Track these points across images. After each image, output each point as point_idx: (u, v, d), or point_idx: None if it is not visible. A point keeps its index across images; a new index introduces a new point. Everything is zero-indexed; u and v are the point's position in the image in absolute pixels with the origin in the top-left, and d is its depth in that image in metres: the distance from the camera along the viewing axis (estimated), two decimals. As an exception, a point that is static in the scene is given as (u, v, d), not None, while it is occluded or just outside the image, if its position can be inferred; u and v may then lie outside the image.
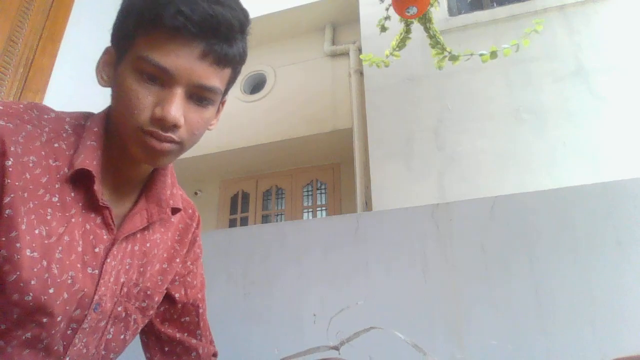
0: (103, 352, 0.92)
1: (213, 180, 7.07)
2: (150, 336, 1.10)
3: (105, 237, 0.89)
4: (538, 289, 2.65)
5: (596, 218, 2.68)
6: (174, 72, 0.82)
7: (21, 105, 0.85)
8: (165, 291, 1.04)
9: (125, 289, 0.92)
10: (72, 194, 0.85)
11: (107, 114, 0.95)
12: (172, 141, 0.85)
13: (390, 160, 3.89)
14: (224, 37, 0.84)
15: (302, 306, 3.12)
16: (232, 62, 0.88)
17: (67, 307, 0.82)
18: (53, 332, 0.81)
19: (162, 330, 1.09)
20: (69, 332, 0.84)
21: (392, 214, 3.15)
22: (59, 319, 0.81)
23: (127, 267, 0.93)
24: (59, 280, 0.79)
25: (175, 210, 1.02)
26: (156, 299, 1.00)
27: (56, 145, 0.86)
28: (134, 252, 0.95)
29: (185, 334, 1.11)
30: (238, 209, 6.79)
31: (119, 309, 0.92)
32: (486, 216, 2.86)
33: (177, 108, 0.83)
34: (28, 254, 0.76)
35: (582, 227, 2.68)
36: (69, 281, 0.81)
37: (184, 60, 0.82)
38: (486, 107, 3.43)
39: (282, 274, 3.23)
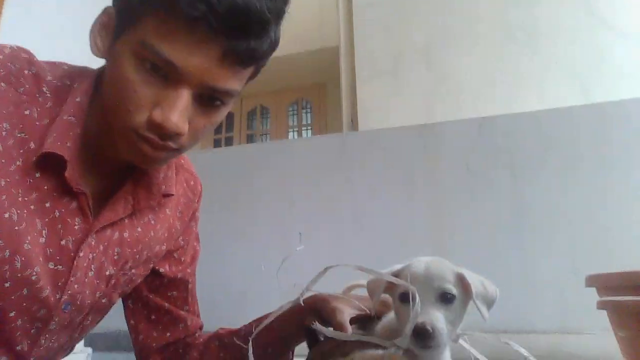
0: (77, 335, 0.85)
1: (196, 99, 6.87)
2: (136, 302, 0.99)
3: (76, 227, 0.74)
4: (519, 207, 2.71)
5: (583, 139, 2.68)
6: (184, 72, 0.66)
7: (1, 56, 0.70)
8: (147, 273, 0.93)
9: (113, 281, 0.82)
10: (38, 174, 0.70)
11: (99, 78, 0.77)
12: (169, 149, 0.72)
13: (378, 79, 3.78)
14: (253, 34, 0.66)
15: (288, 225, 3.16)
16: (259, 59, 0.72)
17: (25, 304, 0.70)
18: (9, 328, 0.70)
19: (150, 297, 0.98)
20: (32, 331, 0.73)
21: (379, 134, 3.12)
22: (11, 314, 0.69)
23: (115, 257, 0.80)
24: (19, 275, 0.67)
25: (167, 196, 0.88)
26: (138, 281, 0.92)
27: (27, 112, 0.70)
28: (123, 239, 0.81)
29: (173, 306, 1.00)
30: (222, 129, 6.68)
31: (103, 300, 0.82)
32: (473, 136, 2.85)
33: (181, 114, 0.68)
34: None
35: (568, 149, 2.69)
36: (33, 277, 0.69)
37: (199, 60, 0.65)
38: (478, 26, 3.30)
39: (268, 194, 3.24)
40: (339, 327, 0.81)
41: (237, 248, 3.13)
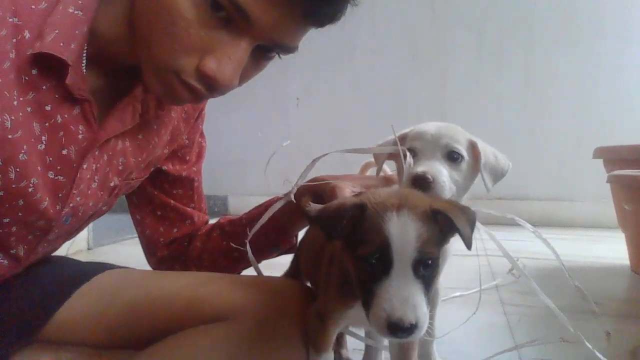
0: (74, 236, 0.81)
1: None
2: (140, 197, 0.93)
3: (80, 135, 0.64)
4: (528, 77, 2.58)
5: (602, 7, 2.47)
6: (257, 23, 0.56)
7: None
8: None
9: (116, 190, 0.75)
10: (35, 71, 0.58)
11: None
12: (208, 97, 0.63)
13: None
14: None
15: (285, 91, 3.04)
16: (335, 21, 0.62)
17: (22, 214, 0.63)
18: (3, 233, 0.64)
19: (155, 193, 0.92)
20: (30, 237, 0.67)
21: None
22: (5, 220, 0.62)
23: (120, 167, 0.73)
24: (14, 187, 0.59)
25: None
26: (137, 185, 0.85)
27: None
28: (126, 148, 0.73)
29: (179, 203, 0.95)
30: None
31: (104, 208, 0.76)
32: (487, 2, 2.62)
33: (237, 68, 0.58)
34: None
35: (586, 17, 2.48)
36: (30, 189, 0.61)
37: (278, 16, 0.56)
38: None
39: (264, 57, 3.06)
40: None
41: (234, 116, 3.05)
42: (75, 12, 0.59)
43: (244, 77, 0.64)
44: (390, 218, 0.53)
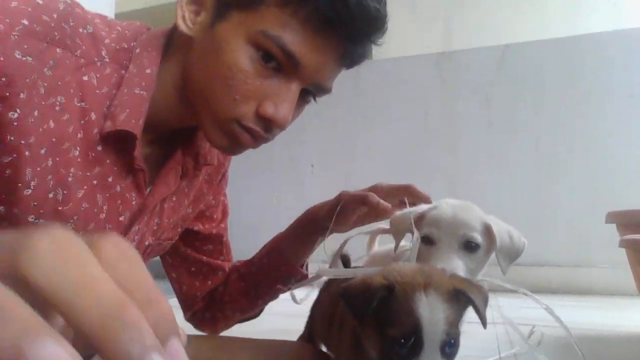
0: None
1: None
2: (174, 257, 0.99)
3: (133, 202, 0.71)
4: (539, 141, 2.63)
5: (610, 68, 2.54)
6: (305, 68, 0.64)
7: (54, 14, 0.59)
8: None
9: (149, 250, 0.81)
10: (100, 148, 0.65)
11: (169, 44, 0.71)
12: (264, 141, 0.71)
13: (393, 3, 3.58)
14: (373, 41, 0.68)
15: (300, 157, 3.13)
16: (359, 63, 0.72)
17: None
18: None
19: (188, 252, 0.99)
20: None
21: (394, 63, 2.99)
22: None
23: (154, 227, 0.78)
24: None
25: (207, 165, 0.85)
26: (171, 242, 0.90)
27: (85, 78, 0.62)
28: (163, 210, 0.79)
29: (210, 258, 1.02)
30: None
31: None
32: (494, 66, 2.72)
33: (291, 109, 0.67)
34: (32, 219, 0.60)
35: (594, 78, 2.56)
36: None
37: (322, 59, 0.65)
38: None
39: (280, 126, 3.17)
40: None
41: (250, 181, 3.12)
42: (141, 92, 0.66)
43: (291, 121, 0.71)
44: (419, 299, 0.55)
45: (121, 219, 0.70)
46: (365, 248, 1.33)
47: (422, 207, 0.82)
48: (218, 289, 1.03)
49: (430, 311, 0.54)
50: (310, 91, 0.71)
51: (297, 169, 3.06)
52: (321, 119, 3.03)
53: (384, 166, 2.86)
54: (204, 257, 1.00)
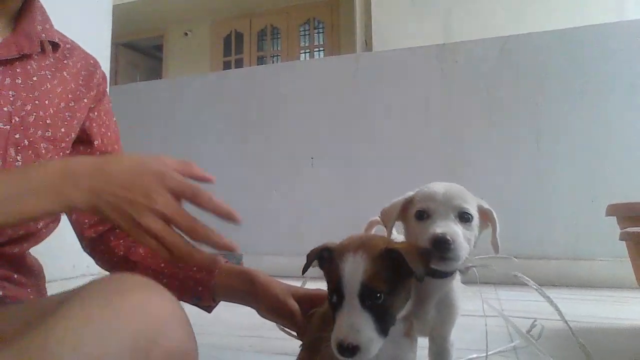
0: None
1: (203, 19, 6.60)
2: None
3: None
4: (540, 134, 2.61)
5: (612, 60, 2.52)
6: None
7: None
8: (77, 127, 0.97)
9: (16, 118, 0.84)
10: None
11: None
12: None
13: (394, -5, 3.57)
14: None
15: (300, 149, 3.12)
16: None
17: None
18: None
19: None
20: None
21: (394, 55, 2.98)
22: None
23: (10, 98, 0.84)
24: None
25: (54, 45, 0.93)
26: (63, 130, 0.93)
27: None
28: (16, 84, 0.85)
29: None
30: (232, 51, 6.47)
31: (16, 136, 0.84)
32: (495, 57, 2.70)
33: None
34: None
35: (594, 70, 2.54)
36: None
37: None
38: None
39: (279, 118, 3.17)
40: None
41: (249, 173, 3.12)
42: None
43: None
44: (346, 258, 0.65)
45: None
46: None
47: (409, 193, 0.84)
48: (138, 250, 1.01)
49: (351, 266, 0.64)
50: None
51: (297, 161, 3.04)
52: (321, 111, 3.01)
53: (383, 158, 2.85)
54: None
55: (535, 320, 1.42)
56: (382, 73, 2.91)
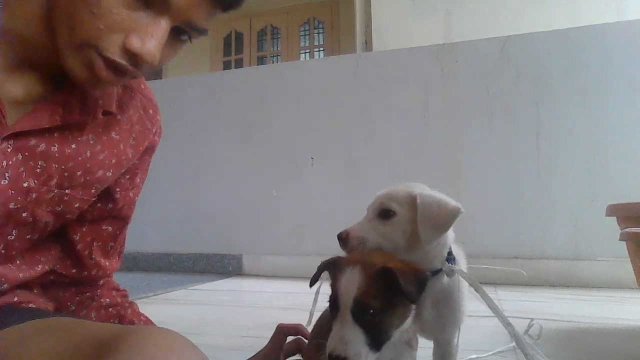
0: (2, 251, 0.77)
1: (203, 18, 6.63)
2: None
3: None
4: (540, 134, 2.61)
5: (612, 60, 2.52)
6: (172, 4, 0.64)
7: None
8: (93, 199, 0.86)
9: (33, 195, 0.74)
10: None
11: None
12: (131, 76, 0.68)
13: (394, -5, 3.57)
14: None
15: (300, 149, 3.12)
16: (237, 6, 0.71)
17: None
18: None
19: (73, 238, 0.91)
20: None
21: (394, 55, 2.97)
22: None
23: (37, 170, 0.73)
24: None
25: (105, 113, 0.80)
26: (76, 205, 0.82)
27: None
28: (50, 153, 0.74)
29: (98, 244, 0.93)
30: (232, 51, 6.46)
31: (24, 214, 0.74)
32: (495, 57, 2.70)
33: (158, 46, 0.65)
34: None
35: (594, 70, 2.54)
36: None
37: None
38: None
39: (279, 117, 3.17)
40: None
41: (249, 173, 3.12)
42: None
43: (164, 58, 0.69)
44: (345, 272, 0.67)
45: None
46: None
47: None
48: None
49: (346, 281, 0.66)
50: (185, 34, 0.69)
51: (297, 161, 3.04)
52: (321, 111, 3.01)
53: (383, 158, 2.85)
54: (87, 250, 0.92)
55: (532, 320, 1.42)
56: (382, 73, 2.91)
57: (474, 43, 2.76)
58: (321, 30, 6.28)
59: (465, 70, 2.75)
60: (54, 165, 0.75)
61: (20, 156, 0.71)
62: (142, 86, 0.90)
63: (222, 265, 3.07)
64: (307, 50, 6.32)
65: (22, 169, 0.71)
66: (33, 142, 0.72)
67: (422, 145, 2.78)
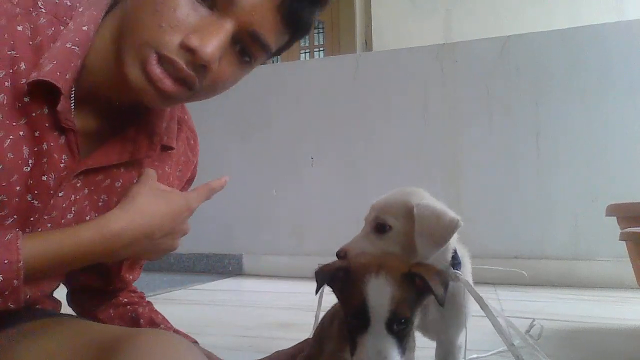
0: None
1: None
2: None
3: (62, 164, 0.67)
4: (540, 134, 2.61)
5: (612, 60, 2.52)
6: (237, 4, 0.62)
7: None
8: None
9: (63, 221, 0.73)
10: (27, 99, 0.62)
11: (111, 8, 0.70)
12: (189, 84, 0.65)
13: (394, -5, 3.57)
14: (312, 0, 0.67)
15: (300, 149, 3.12)
16: (299, 28, 0.69)
17: None
18: None
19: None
20: None
21: (394, 55, 2.97)
22: None
23: (100, 203, 0.74)
24: None
25: (165, 148, 0.81)
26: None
27: (19, 28, 0.61)
28: (114, 188, 0.75)
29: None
30: (231, 50, 6.50)
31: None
32: (495, 57, 2.70)
33: (218, 46, 0.62)
34: None
35: (594, 70, 2.54)
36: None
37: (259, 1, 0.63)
38: None
39: (279, 117, 3.17)
40: None
41: (250, 175, 3.11)
42: (72, 47, 0.64)
43: (221, 74, 0.67)
44: (369, 281, 0.63)
45: (44, 178, 0.66)
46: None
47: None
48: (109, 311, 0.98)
49: (377, 291, 0.62)
50: (247, 51, 0.67)
51: (297, 161, 3.04)
52: (321, 111, 3.01)
53: (383, 158, 2.84)
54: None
55: (533, 320, 1.42)
56: (382, 73, 2.91)
57: (474, 43, 2.76)
58: (321, 30, 6.28)
59: (465, 70, 2.75)
60: (114, 199, 0.75)
61: (86, 191, 0.72)
62: (186, 117, 0.91)
63: (222, 265, 3.08)
64: (307, 50, 6.32)
65: (87, 202, 0.73)
66: (100, 177, 0.73)
67: (422, 145, 2.78)
